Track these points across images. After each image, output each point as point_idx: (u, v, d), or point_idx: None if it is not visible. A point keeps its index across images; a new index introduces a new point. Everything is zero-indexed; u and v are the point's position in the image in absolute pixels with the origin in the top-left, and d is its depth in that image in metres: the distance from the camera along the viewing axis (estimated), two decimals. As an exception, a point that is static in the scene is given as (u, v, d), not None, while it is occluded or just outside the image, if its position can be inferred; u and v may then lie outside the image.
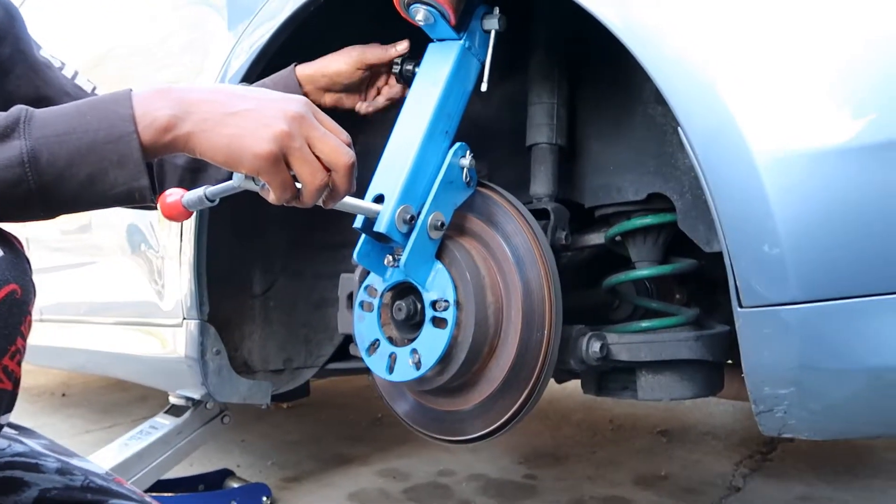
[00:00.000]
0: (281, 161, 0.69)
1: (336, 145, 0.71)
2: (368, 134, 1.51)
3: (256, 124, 0.67)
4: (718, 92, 0.75)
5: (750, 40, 0.76)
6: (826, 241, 0.70)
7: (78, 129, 0.66)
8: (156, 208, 0.76)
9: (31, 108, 0.67)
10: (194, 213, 0.88)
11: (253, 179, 0.71)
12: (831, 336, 0.69)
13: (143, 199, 0.70)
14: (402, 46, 1.12)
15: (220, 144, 0.68)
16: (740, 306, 0.74)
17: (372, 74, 1.15)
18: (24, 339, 0.70)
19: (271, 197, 0.72)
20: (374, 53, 1.12)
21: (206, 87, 0.72)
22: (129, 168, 0.66)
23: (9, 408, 0.72)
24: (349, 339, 1.50)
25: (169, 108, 0.67)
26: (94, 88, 1.10)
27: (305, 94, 1.10)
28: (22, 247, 0.73)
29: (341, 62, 1.11)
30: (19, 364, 0.70)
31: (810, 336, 0.70)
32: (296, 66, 1.13)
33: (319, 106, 1.07)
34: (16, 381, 0.70)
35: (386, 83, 1.17)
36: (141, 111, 0.67)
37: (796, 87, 0.73)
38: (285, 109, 0.69)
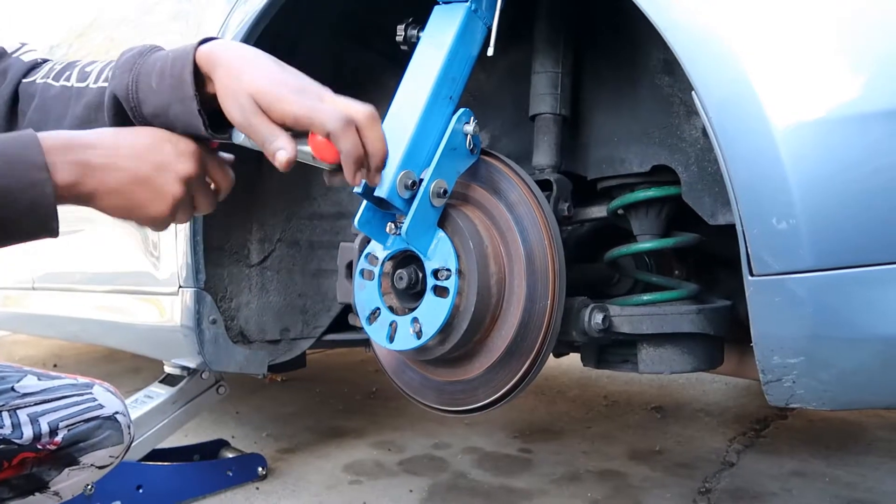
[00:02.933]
0: (173, 216, 0.76)
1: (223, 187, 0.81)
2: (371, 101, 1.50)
3: (153, 195, 0.73)
4: (735, 57, 0.73)
5: (768, 3, 0.74)
6: (840, 209, 0.69)
7: None
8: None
9: None
10: None
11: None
12: (843, 305, 0.69)
13: (51, 237, 0.70)
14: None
15: (120, 210, 0.73)
16: (751, 275, 0.73)
17: None
18: None
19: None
20: None
21: (107, 145, 0.72)
22: (40, 213, 0.67)
23: None
24: (347, 310, 1.50)
25: (70, 172, 0.68)
26: None
27: None
28: None
29: None
30: None
31: (822, 305, 0.69)
32: None
33: None
34: None
35: None
36: (51, 160, 0.67)
37: (815, 52, 0.72)
38: (179, 175, 0.74)
